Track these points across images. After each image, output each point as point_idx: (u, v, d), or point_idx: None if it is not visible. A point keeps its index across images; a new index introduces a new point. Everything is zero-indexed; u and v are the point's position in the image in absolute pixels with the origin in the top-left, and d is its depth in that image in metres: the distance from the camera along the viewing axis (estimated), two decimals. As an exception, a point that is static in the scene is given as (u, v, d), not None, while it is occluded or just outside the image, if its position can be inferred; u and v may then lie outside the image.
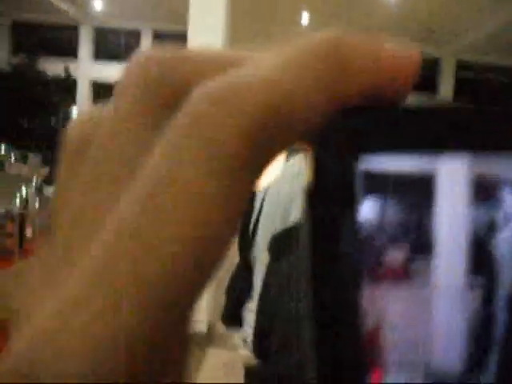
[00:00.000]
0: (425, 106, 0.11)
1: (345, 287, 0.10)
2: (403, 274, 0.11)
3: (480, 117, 0.11)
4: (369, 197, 0.11)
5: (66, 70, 8.77)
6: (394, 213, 0.11)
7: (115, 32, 9.60)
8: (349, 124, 0.11)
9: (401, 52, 0.11)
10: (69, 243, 0.11)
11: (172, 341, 0.10)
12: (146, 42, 9.49)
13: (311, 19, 7.93)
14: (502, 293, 0.11)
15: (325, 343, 0.10)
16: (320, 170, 0.11)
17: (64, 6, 8.28)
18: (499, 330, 0.11)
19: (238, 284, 1.75)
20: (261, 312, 1.10)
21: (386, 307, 0.11)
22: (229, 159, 0.10)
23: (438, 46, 8.62)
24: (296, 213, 1.06)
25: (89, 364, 0.09)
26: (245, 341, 2.11)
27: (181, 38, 8.53)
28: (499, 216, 0.11)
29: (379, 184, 0.11)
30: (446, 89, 9.22)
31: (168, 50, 0.12)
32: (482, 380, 0.11)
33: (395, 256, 0.11)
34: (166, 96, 0.11)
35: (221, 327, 1.84)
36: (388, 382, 0.11)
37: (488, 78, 9.52)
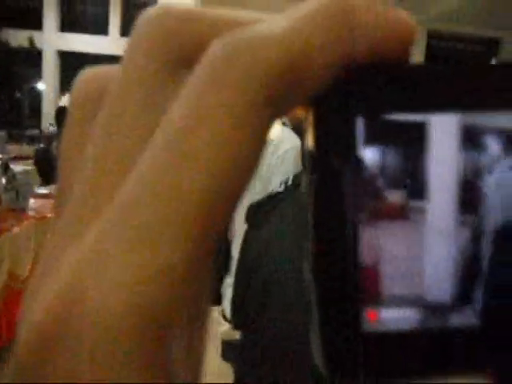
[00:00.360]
0: (421, 66, 0.12)
1: (344, 225, 0.12)
2: (400, 215, 0.12)
3: (468, 76, 0.12)
4: (369, 146, 0.12)
5: (31, 40, 8.41)
6: (391, 160, 0.12)
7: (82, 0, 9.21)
8: (350, 85, 0.12)
9: (403, 15, 0.12)
10: (92, 196, 0.11)
11: (206, 273, 0.11)
12: (115, 10, 9.16)
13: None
14: (488, 229, 0.13)
15: (324, 278, 0.12)
16: (323, 129, 0.12)
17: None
18: (486, 263, 0.13)
19: (216, 258, 1.76)
20: (238, 281, 1.11)
21: (384, 245, 0.12)
22: (249, 106, 0.10)
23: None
24: (276, 183, 1.07)
25: (131, 294, 0.09)
26: (224, 316, 2.14)
27: (151, 5, 8.28)
28: (486, 160, 0.12)
29: (378, 135, 0.12)
30: (417, 59, 9.28)
31: (179, 7, 0.12)
32: (470, 310, 0.13)
33: (393, 198, 0.12)
34: (184, 51, 0.11)
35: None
36: (384, 314, 0.12)
37: (459, 48, 9.61)
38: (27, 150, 5.17)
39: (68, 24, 9.21)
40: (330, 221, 0.12)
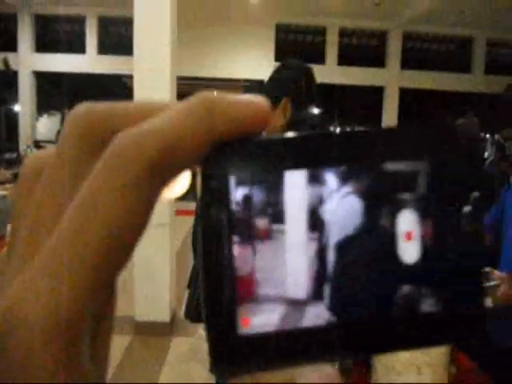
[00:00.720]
0: (267, 138, 0.17)
1: (222, 247, 0.16)
2: (266, 236, 0.17)
3: (311, 141, 0.17)
4: (242, 190, 0.17)
5: (6, 62, 8.33)
6: (259, 199, 0.17)
7: (57, 19, 9.15)
8: (220, 154, 0.16)
9: (253, 102, 0.16)
10: (29, 243, 0.16)
11: (106, 294, 0.15)
12: (91, 28, 9.12)
13: (258, -2, 7.86)
14: (331, 242, 0.17)
15: (208, 294, 0.16)
16: (207, 183, 0.17)
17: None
18: (331, 268, 0.17)
19: (195, 279, 1.77)
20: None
21: (256, 260, 0.17)
22: (135, 185, 0.15)
23: (384, 19, 8.76)
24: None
25: (52, 307, 0.14)
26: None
27: (127, 23, 8.24)
28: (326, 193, 0.17)
29: (248, 184, 0.17)
30: (393, 60, 9.40)
31: (101, 105, 0.16)
32: (322, 305, 0.17)
33: (260, 225, 0.17)
34: (100, 141, 0.16)
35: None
36: (255, 320, 0.16)
37: (434, 48, 9.78)
38: (5, 174, 5.10)
39: (43, 44, 9.15)
40: (213, 246, 0.16)
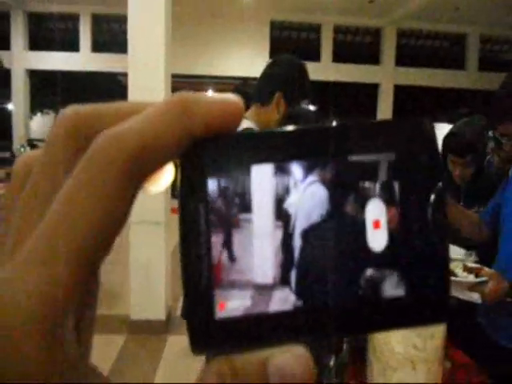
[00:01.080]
0: (239, 134, 0.18)
1: (199, 235, 0.18)
2: (237, 225, 0.18)
3: (280, 136, 0.18)
4: (214, 182, 0.18)
5: (-1, 60, 8.27)
6: (230, 192, 0.18)
7: (51, 17, 9.09)
8: (197, 149, 0.18)
9: (227, 101, 0.18)
10: (18, 233, 0.17)
11: (90, 281, 0.16)
12: (85, 26, 9.07)
13: (253, -5, 7.84)
14: (296, 231, 0.18)
15: (187, 279, 0.18)
16: (184, 176, 0.18)
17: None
18: (296, 255, 0.18)
19: None
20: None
21: (227, 247, 0.18)
22: (115, 181, 0.16)
23: (378, 16, 8.77)
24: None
25: (40, 292, 0.15)
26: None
27: (121, 21, 8.20)
28: (292, 183, 0.18)
29: (220, 179, 0.18)
30: (388, 57, 9.42)
31: (88, 107, 0.18)
32: (290, 289, 0.18)
33: (231, 214, 0.18)
34: (80, 142, 0.17)
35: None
36: (229, 304, 0.18)
37: (428, 45, 9.79)
38: (-2, 173, 5.08)
39: (37, 42, 9.09)
40: (190, 234, 0.18)
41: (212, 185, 0.18)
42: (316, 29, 9.37)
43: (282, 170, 0.18)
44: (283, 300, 0.18)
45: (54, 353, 0.15)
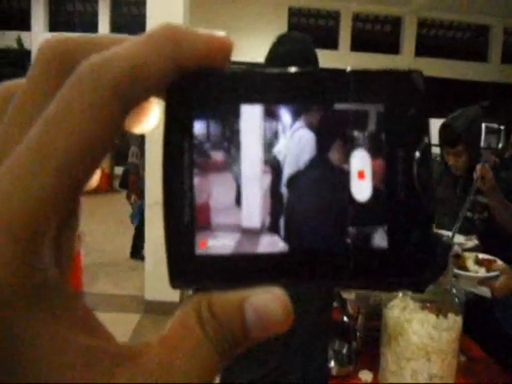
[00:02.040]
0: (229, 71, 0.18)
1: (183, 174, 0.17)
2: (223, 167, 0.18)
3: (271, 77, 0.18)
4: (200, 122, 0.18)
5: (19, 41, 8.32)
6: (216, 132, 0.18)
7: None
8: (184, 85, 0.17)
9: (216, 35, 0.17)
10: (6, 142, 0.16)
11: (70, 201, 0.16)
12: (104, 8, 9.07)
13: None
14: (284, 177, 0.18)
15: (168, 215, 0.17)
16: (171, 112, 0.17)
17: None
18: (285, 201, 0.18)
19: None
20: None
21: (214, 189, 0.18)
22: (99, 102, 0.15)
23: (399, 4, 8.61)
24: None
25: (6, 214, 0.14)
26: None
27: (140, 3, 8.17)
28: (279, 129, 0.18)
29: (207, 116, 0.18)
30: (408, 47, 9.27)
31: (73, 35, 0.17)
32: (274, 233, 0.18)
33: (217, 156, 0.18)
34: (64, 67, 0.17)
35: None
36: (211, 242, 0.17)
37: (450, 36, 9.61)
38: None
39: (56, 23, 9.11)
40: (174, 172, 0.17)
41: (198, 121, 0.17)
42: (334, 16, 9.24)
43: (271, 113, 0.18)
44: (266, 243, 0.18)
45: (31, 274, 0.14)
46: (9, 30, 8.46)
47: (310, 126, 0.18)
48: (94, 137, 0.15)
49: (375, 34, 9.58)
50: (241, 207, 0.18)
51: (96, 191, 7.76)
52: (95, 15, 9.11)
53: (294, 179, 0.18)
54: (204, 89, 0.17)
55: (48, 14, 9.13)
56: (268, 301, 0.16)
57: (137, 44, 0.16)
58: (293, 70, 0.18)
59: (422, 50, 9.31)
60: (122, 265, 4.54)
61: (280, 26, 8.76)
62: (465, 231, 1.78)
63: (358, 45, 9.19)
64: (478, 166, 1.71)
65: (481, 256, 1.57)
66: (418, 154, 0.18)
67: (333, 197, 0.18)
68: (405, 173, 0.18)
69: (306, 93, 0.18)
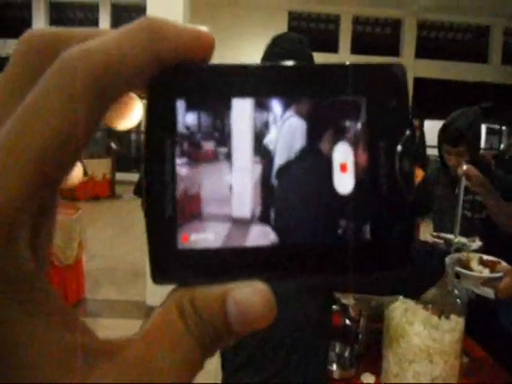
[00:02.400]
0: (217, 64, 0.18)
1: (164, 167, 0.17)
2: (213, 158, 0.18)
3: (259, 70, 0.18)
4: (189, 114, 0.17)
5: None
6: (205, 123, 0.18)
7: (71, 7, 9.15)
8: (166, 79, 0.17)
9: (198, 29, 0.17)
10: None
11: (44, 200, 0.15)
12: (104, 15, 9.12)
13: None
14: (275, 166, 0.18)
15: (151, 204, 0.17)
16: (154, 106, 0.17)
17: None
18: (274, 190, 0.18)
19: None
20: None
21: (203, 180, 0.18)
22: (77, 94, 0.15)
23: (399, 7, 8.63)
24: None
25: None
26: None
27: (140, 10, 8.21)
28: (270, 119, 0.18)
29: (196, 107, 0.17)
30: (408, 49, 9.27)
31: (55, 28, 0.18)
32: (267, 227, 0.18)
33: (207, 147, 0.18)
34: (41, 60, 0.17)
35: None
36: (193, 237, 0.17)
37: (450, 37, 9.61)
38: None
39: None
40: (155, 165, 0.17)
41: (180, 114, 0.17)
42: (334, 19, 9.27)
43: (261, 105, 0.18)
44: (250, 236, 0.18)
45: (8, 263, 0.14)
46: (10, 38, 8.51)
47: (300, 115, 0.18)
48: (70, 130, 0.15)
49: (375, 37, 9.59)
50: (230, 198, 0.18)
51: (98, 197, 7.79)
52: (96, 23, 9.16)
53: (282, 170, 0.18)
54: (186, 82, 0.17)
55: (49, 22, 9.19)
56: (249, 294, 0.16)
57: (115, 36, 0.16)
58: (276, 64, 0.18)
59: (422, 51, 9.32)
60: (124, 271, 4.54)
61: (280, 30, 8.76)
62: (466, 231, 1.77)
63: (359, 48, 9.21)
64: (463, 166, 1.71)
65: (485, 257, 1.56)
66: (399, 146, 0.18)
67: (316, 190, 0.18)
68: (386, 165, 0.18)
69: (289, 86, 0.18)
